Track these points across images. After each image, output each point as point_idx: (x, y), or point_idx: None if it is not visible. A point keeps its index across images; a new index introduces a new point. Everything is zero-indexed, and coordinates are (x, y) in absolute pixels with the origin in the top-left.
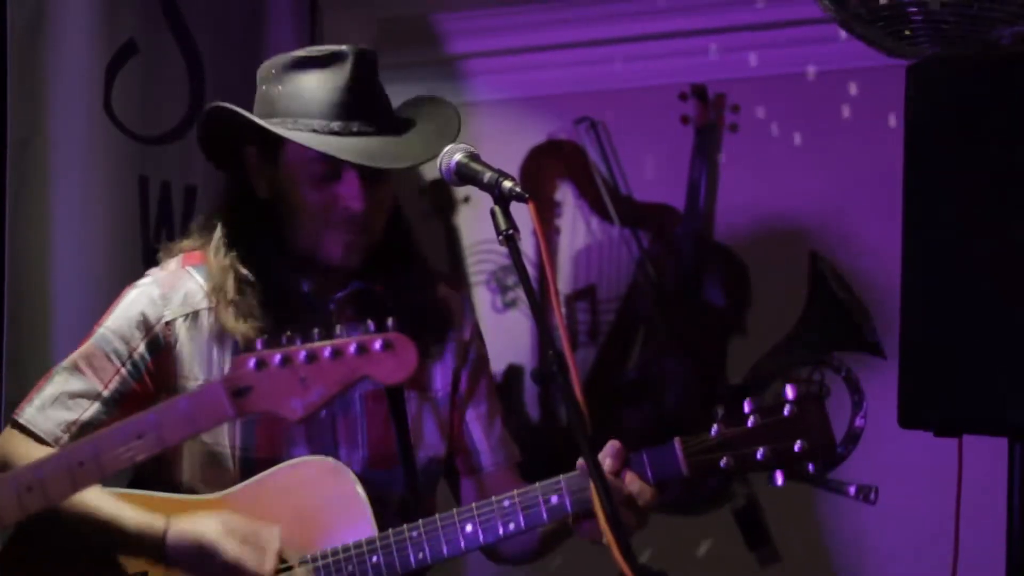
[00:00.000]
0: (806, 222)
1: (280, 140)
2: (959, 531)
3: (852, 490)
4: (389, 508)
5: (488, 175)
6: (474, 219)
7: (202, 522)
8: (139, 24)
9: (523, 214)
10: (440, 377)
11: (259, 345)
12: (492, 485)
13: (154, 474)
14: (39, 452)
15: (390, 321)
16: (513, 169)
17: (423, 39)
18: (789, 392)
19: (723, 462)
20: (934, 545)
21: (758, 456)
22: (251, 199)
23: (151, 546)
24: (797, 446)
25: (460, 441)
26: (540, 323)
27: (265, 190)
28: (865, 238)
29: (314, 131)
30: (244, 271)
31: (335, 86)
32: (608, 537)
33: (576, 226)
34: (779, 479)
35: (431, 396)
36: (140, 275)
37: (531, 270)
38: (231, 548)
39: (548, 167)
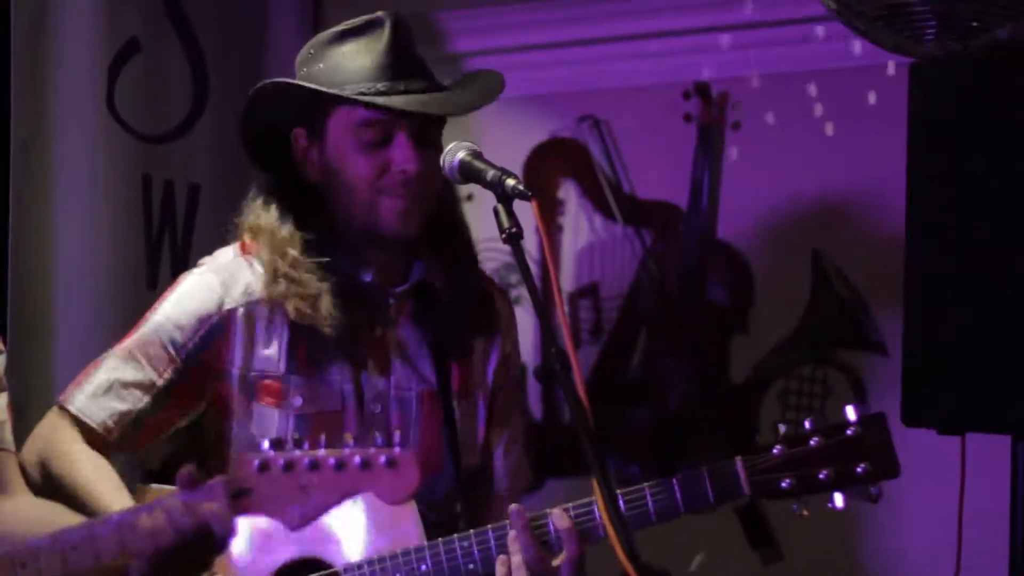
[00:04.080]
0: (809, 220)
1: (327, 115)
2: (962, 529)
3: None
4: (431, 514)
5: (491, 173)
6: (477, 217)
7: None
8: (142, 22)
9: (526, 212)
10: (482, 384)
11: (265, 446)
12: (496, 509)
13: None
14: (83, 442)
15: (397, 435)
16: (516, 167)
17: (426, 37)
18: (851, 413)
19: (785, 483)
20: (937, 543)
21: (821, 477)
22: (299, 187)
23: None
24: (860, 468)
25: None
26: (543, 321)
27: (315, 172)
28: (868, 236)
29: (362, 94)
30: (301, 253)
31: (377, 50)
32: (612, 536)
33: (579, 224)
34: (840, 501)
35: (474, 402)
36: (143, 274)
37: (534, 268)
38: None
39: (551, 165)
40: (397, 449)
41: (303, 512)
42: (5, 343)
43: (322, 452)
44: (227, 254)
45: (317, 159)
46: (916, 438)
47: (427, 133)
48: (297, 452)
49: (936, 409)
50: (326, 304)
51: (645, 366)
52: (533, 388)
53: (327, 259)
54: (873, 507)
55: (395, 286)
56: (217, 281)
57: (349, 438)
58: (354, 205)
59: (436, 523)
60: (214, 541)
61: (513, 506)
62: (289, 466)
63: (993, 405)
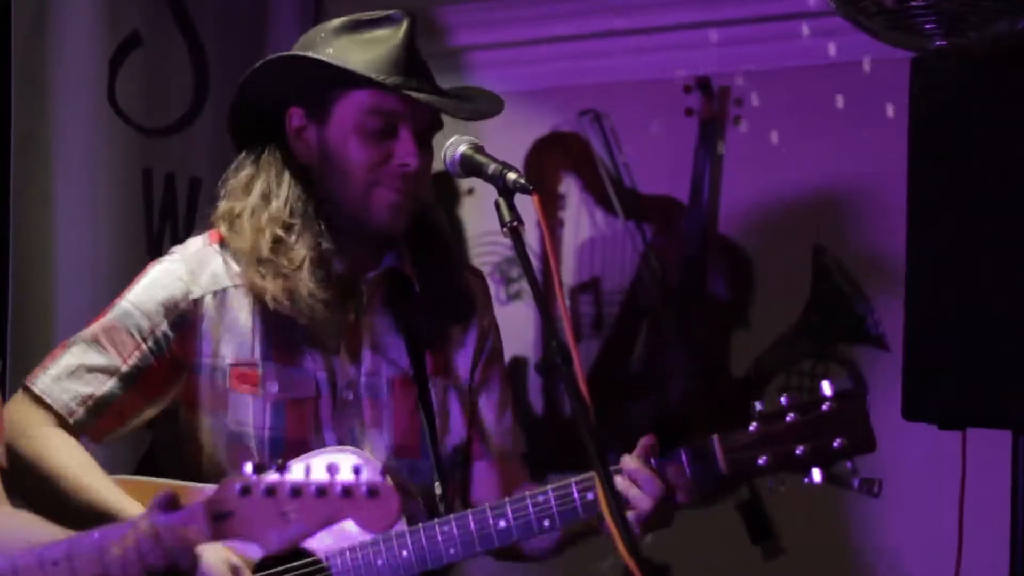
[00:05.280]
0: (810, 215)
1: (334, 97)
2: (963, 524)
3: (856, 483)
4: (413, 498)
5: (492, 167)
6: (478, 211)
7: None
8: (143, 16)
9: (527, 206)
10: (462, 363)
11: (247, 470)
12: (502, 473)
13: (170, 455)
14: (50, 424)
15: (380, 466)
16: (517, 161)
17: (427, 31)
18: (827, 388)
19: (762, 460)
20: (938, 538)
21: (797, 453)
22: (289, 167)
23: None
24: (837, 443)
25: (471, 428)
26: (544, 315)
27: (309, 154)
28: (869, 231)
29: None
30: (280, 232)
31: (391, 44)
32: (613, 531)
33: (580, 218)
34: (817, 477)
35: (454, 382)
36: (143, 266)
37: (535, 262)
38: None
39: (552, 159)
40: (379, 479)
41: (282, 538)
42: (5, 345)
43: (304, 478)
44: (196, 243)
45: (314, 140)
46: (917, 433)
47: (427, 135)
48: (279, 477)
49: (937, 404)
50: (304, 291)
51: (646, 360)
52: (534, 382)
53: (303, 245)
54: (873, 501)
55: (367, 273)
56: (185, 269)
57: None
58: (346, 192)
59: (421, 505)
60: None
61: (648, 436)
62: (271, 491)
63: (994, 400)
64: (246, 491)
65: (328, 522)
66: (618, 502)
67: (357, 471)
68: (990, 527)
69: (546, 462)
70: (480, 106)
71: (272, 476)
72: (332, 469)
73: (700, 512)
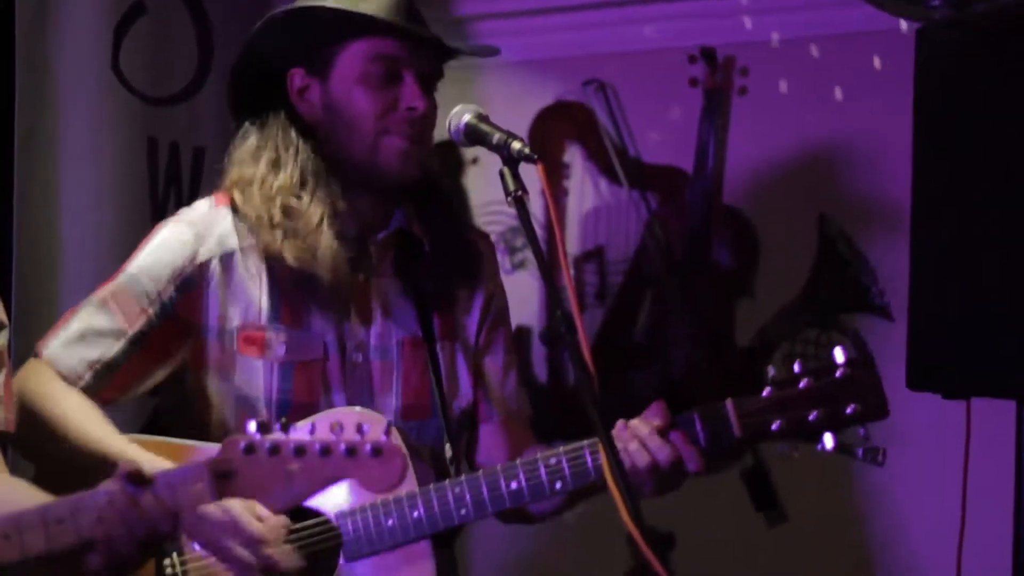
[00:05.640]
0: (815, 185)
1: (335, 49)
2: (966, 493)
3: (860, 452)
4: (422, 459)
5: (497, 136)
6: (483, 180)
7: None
8: None
9: (532, 175)
10: (469, 325)
11: (251, 429)
12: (508, 435)
13: (178, 416)
14: (62, 391)
15: (384, 426)
16: (522, 131)
17: (432, 1)
18: (839, 354)
19: (775, 424)
20: (941, 507)
21: (810, 418)
22: (295, 130)
23: None
24: (850, 409)
25: (477, 390)
26: (548, 284)
27: (314, 111)
28: (874, 201)
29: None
30: (290, 200)
31: None
32: (616, 499)
33: (584, 188)
34: (829, 443)
35: (462, 345)
36: (148, 235)
37: (539, 231)
38: (256, 534)
39: (557, 129)
40: (383, 438)
41: (285, 496)
42: (10, 311)
43: (308, 437)
44: (202, 206)
45: (318, 98)
46: (921, 402)
47: (431, 80)
48: (283, 436)
49: (941, 373)
50: (325, 247)
51: (650, 329)
52: (538, 351)
53: (319, 204)
54: (877, 471)
55: (376, 234)
56: (191, 233)
57: (335, 425)
58: (355, 143)
59: (429, 467)
60: (156, 538)
61: (658, 401)
62: (275, 450)
63: (999, 369)
64: (250, 450)
65: (332, 481)
66: (622, 470)
67: (362, 430)
68: (994, 497)
69: (550, 430)
70: (476, 49)
71: (276, 435)
72: (337, 428)
73: (703, 480)
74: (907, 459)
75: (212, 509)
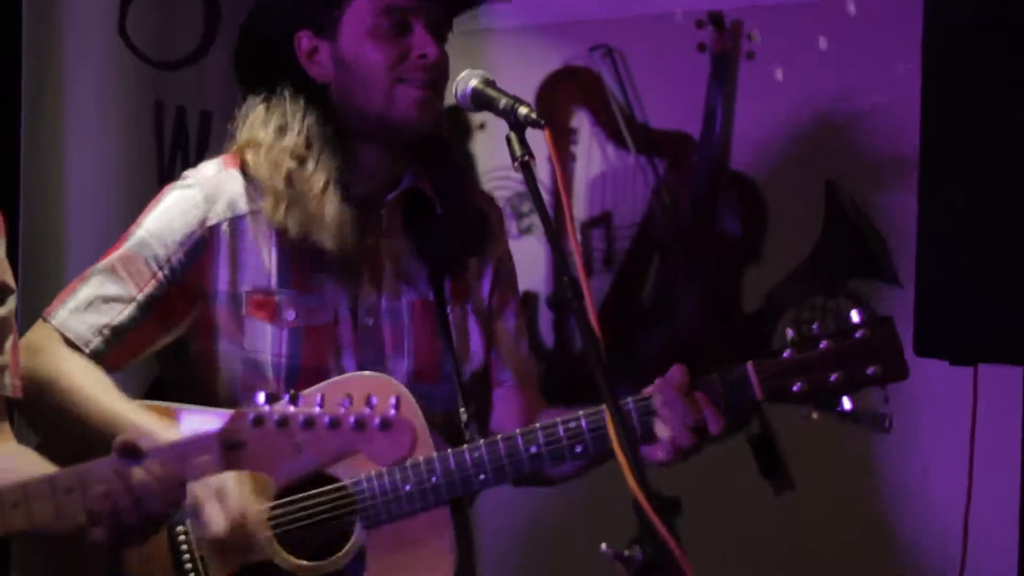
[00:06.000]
0: (822, 150)
1: (338, 10)
2: (973, 459)
3: (866, 419)
4: (433, 424)
5: (504, 101)
6: (490, 146)
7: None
8: None
9: (539, 141)
10: (480, 288)
11: (260, 400)
12: (522, 399)
13: (184, 381)
14: (69, 355)
15: (394, 399)
16: (529, 96)
17: None
18: (855, 316)
19: (796, 386)
20: (948, 474)
21: (831, 380)
22: (304, 91)
23: None
24: (871, 370)
25: (489, 354)
26: (555, 249)
27: (324, 72)
28: (882, 166)
29: None
30: (298, 164)
31: None
32: (622, 464)
33: (592, 153)
34: (848, 404)
35: (473, 308)
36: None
37: (546, 196)
38: (197, 488)
39: (564, 94)
40: (392, 411)
41: (293, 469)
42: (16, 278)
43: (317, 410)
44: (210, 168)
45: (327, 58)
46: (928, 369)
47: (440, 30)
48: (292, 408)
49: (949, 340)
50: (328, 216)
51: (657, 295)
52: (545, 316)
53: (326, 165)
54: (884, 437)
55: (386, 194)
56: (200, 196)
57: (344, 396)
58: (370, 98)
59: (439, 431)
60: (144, 517)
61: (678, 364)
62: (283, 422)
63: (1006, 336)
64: (259, 422)
65: (341, 454)
66: (629, 436)
67: (371, 402)
68: (1000, 463)
69: (557, 395)
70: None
71: (285, 407)
72: (346, 400)
73: (710, 446)
74: (914, 425)
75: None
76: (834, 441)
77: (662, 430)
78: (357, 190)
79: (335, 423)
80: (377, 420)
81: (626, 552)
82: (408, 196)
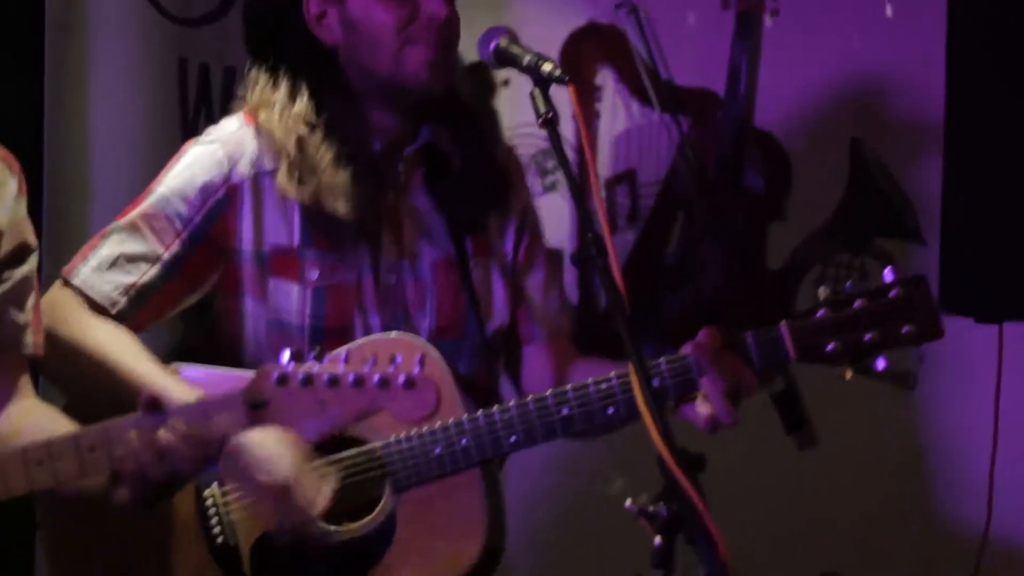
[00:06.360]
0: (848, 107)
1: None
2: (999, 416)
3: (892, 376)
4: (458, 382)
5: (528, 57)
6: (514, 102)
7: (264, 434)
8: None
9: (563, 98)
10: (503, 243)
11: (284, 359)
12: (553, 353)
13: (209, 343)
14: (96, 322)
15: (419, 356)
16: (553, 53)
17: None
18: (889, 274)
19: (830, 346)
20: (973, 432)
21: (866, 340)
22: (313, 55)
23: None
24: (905, 329)
25: (519, 310)
26: (579, 206)
27: (333, 35)
28: (907, 123)
29: None
30: (308, 130)
31: None
32: (646, 420)
33: (616, 110)
34: (881, 363)
35: (496, 263)
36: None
37: (570, 154)
38: (286, 469)
39: (588, 51)
40: (417, 369)
41: (318, 427)
42: (40, 235)
43: (341, 368)
44: (232, 124)
45: (336, 21)
46: (953, 327)
47: None
48: (317, 367)
49: (974, 297)
50: (341, 179)
51: (681, 252)
52: (569, 273)
53: (333, 130)
54: (909, 394)
55: (403, 150)
56: (223, 153)
57: (369, 355)
58: (378, 60)
59: (465, 390)
60: (169, 476)
61: (708, 327)
62: (308, 380)
63: None
64: (283, 380)
65: (365, 412)
66: (652, 391)
67: (395, 361)
68: None
69: (582, 353)
70: None
71: (309, 366)
72: (370, 359)
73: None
74: (939, 384)
75: (245, 446)
76: (859, 398)
77: (702, 405)
78: (373, 149)
79: (359, 381)
80: (401, 378)
81: (651, 508)
82: (426, 152)
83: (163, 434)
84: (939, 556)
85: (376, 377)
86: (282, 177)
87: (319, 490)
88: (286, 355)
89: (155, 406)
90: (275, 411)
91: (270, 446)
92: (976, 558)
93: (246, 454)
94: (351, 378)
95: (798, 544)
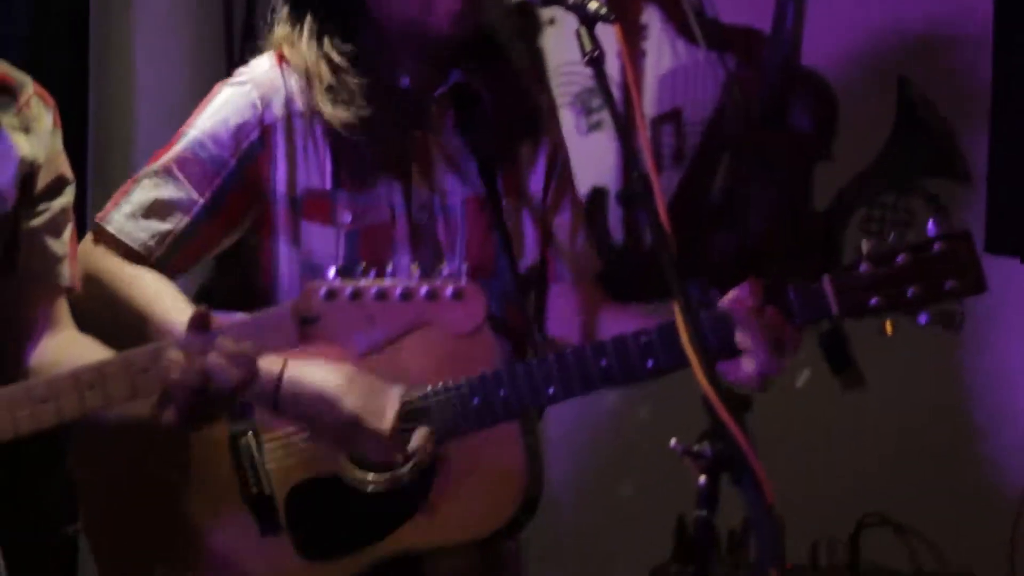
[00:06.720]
0: (895, 47)
1: None
2: None
3: (937, 317)
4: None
5: None
6: (559, 41)
7: (322, 372)
8: None
9: (609, 36)
10: (534, 182)
11: (330, 275)
12: (580, 294)
13: (240, 288)
14: (127, 266)
15: (463, 266)
16: None
17: None
18: (932, 227)
19: (873, 301)
20: (1016, 374)
21: (908, 295)
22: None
23: (261, 391)
24: (948, 285)
25: (546, 250)
26: (625, 145)
27: None
28: (955, 62)
29: None
30: (339, 59)
31: None
32: (693, 361)
33: (662, 49)
34: (923, 318)
35: (527, 202)
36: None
37: (616, 92)
38: (351, 404)
39: None
40: (464, 280)
41: (368, 341)
42: (85, 171)
43: (388, 282)
44: (263, 64)
45: None
46: (998, 267)
47: None
48: (364, 281)
49: (1020, 237)
50: (371, 112)
51: (727, 191)
52: (614, 211)
53: (362, 62)
54: (951, 336)
55: (434, 89)
56: (257, 94)
57: (415, 269)
58: (404, 8)
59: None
60: (216, 395)
61: (750, 280)
62: (356, 295)
63: None
64: (332, 295)
65: (414, 325)
66: (699, 333)
67: (442, 274)
68: None
69: (626, 292)
70: None
71: (356, 280)
72: (417, 272)
73: None
74: (984, 323)
75: (303, 385)
76: (898, 343)
77: (747, 362)
78: (405, 84)
79: (407, 294)
80: (450, 290)
81: (695, 448)
82: (456, 93)
83: (211, 352)
84: (981, 499)
85: (424, 289)
86: (320, 97)
87: (384, 415)
88: (332, 271)
89: (203, 325)
90: (324, 327)
91: (329, 381)
92: (1019, 505)
93: (306, 395)
94: (399, 291)
95: (837, 486)
